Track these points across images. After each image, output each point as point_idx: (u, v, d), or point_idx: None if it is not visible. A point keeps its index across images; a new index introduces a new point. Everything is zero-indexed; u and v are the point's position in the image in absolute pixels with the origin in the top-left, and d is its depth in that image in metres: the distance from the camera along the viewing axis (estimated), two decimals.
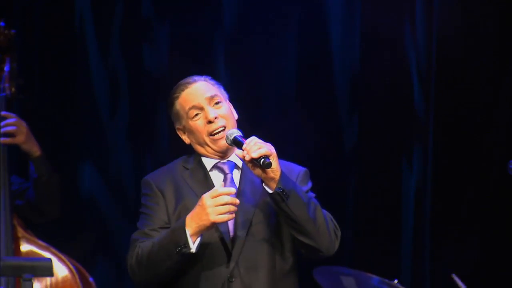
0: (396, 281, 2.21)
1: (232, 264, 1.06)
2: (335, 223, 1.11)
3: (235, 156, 1.12)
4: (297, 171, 1.14)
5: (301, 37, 3.65)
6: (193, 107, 1.15)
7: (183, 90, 1.19)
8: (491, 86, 3.27)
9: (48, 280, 1.17)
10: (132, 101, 3.67)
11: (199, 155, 1.17)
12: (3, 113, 1.08)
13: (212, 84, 1.20)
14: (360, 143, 3.56)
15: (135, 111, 3.68)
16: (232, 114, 1.18)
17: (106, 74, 3.54)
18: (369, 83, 3.56)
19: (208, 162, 1.15)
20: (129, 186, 3.82)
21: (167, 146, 3.64)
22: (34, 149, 1.21)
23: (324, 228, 1.05)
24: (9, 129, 1.11)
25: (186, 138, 1.19)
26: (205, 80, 1.20)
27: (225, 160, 1.14)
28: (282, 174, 1.01)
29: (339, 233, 1.11)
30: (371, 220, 3.46)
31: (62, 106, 3.66)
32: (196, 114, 1.14)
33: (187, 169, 1.15)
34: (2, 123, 1.08)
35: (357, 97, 3.62)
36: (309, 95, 4.05)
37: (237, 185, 1.12)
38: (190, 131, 1.16)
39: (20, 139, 1.13)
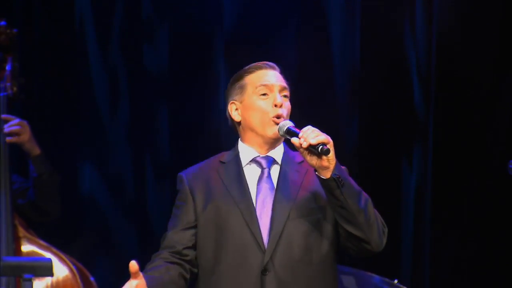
0: (396, 281, 2.21)
1: (266, 258, 1.05)
2: (383, 220, 1.10)
3: (274, 152, 1.11)
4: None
5: (301, 37, 3.65)
6: (266, 86, 1.15)
7: (260, 69, 1.20)
8: (491, 86, 3.27)
9: (49, 280, 1.16)
10: (132, 101, 3.67)
11: (238, 149, 1.16)
12: (4, 116, 1.07)
13: (286, 81, 1.22)
14: (360, 143, 3.56)
15: (135, 111, 3.68)
16: (290, 108, 1.20)
17: (106, 74, 3.54)
18: (369, 83, 3.56)
19: (246, 155, 1.13)
20: (129, 186, 3.82)
21: (167, 146, 3.64)
22: (35, 149, 1.21)
23: (374, 221, 1.04)
24: (14, 128, 1.12)
25: (237, 115, 1.18)
26: (281, 74, 1.22)
27: (264, 155, 1.12)
28: (337, 163, 1.01)
29: (386, 230, 1.10)
30: None
31: (62, 106, 3.66)
32: (265, 94, 1.14)
33: (223, 163, 1.14)
34: (7, 125, 1.07)
35: (357, 97, 3.62)
36: (309, 95, 4.04)
37: (275, 181, 1.10)
38: (250, 108, 1.15)
39: (24, 138, 1.13)
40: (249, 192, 1.11)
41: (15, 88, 1.10)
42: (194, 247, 1.10)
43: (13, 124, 1.07)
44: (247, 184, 1.12)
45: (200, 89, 3.56)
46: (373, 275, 2.22)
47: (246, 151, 1.14)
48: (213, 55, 3.51)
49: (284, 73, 1.21)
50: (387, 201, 3.55)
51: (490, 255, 2.89)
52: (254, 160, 1.16)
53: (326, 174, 0.98)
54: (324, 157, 0.97)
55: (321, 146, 0.96)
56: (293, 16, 3.51)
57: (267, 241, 1.07)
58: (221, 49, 3.46)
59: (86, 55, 3.53)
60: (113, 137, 3.73)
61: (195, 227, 1.10)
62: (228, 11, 3.48)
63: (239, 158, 1.14)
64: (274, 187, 1.12)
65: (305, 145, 0.98)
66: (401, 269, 3.02)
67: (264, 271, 1.02)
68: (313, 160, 0.99)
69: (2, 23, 1.02)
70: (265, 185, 1.12)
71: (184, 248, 1.08)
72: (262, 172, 1.14)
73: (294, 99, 3.83)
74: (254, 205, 1.09)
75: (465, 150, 3.28)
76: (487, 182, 3.19)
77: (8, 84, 1.09)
